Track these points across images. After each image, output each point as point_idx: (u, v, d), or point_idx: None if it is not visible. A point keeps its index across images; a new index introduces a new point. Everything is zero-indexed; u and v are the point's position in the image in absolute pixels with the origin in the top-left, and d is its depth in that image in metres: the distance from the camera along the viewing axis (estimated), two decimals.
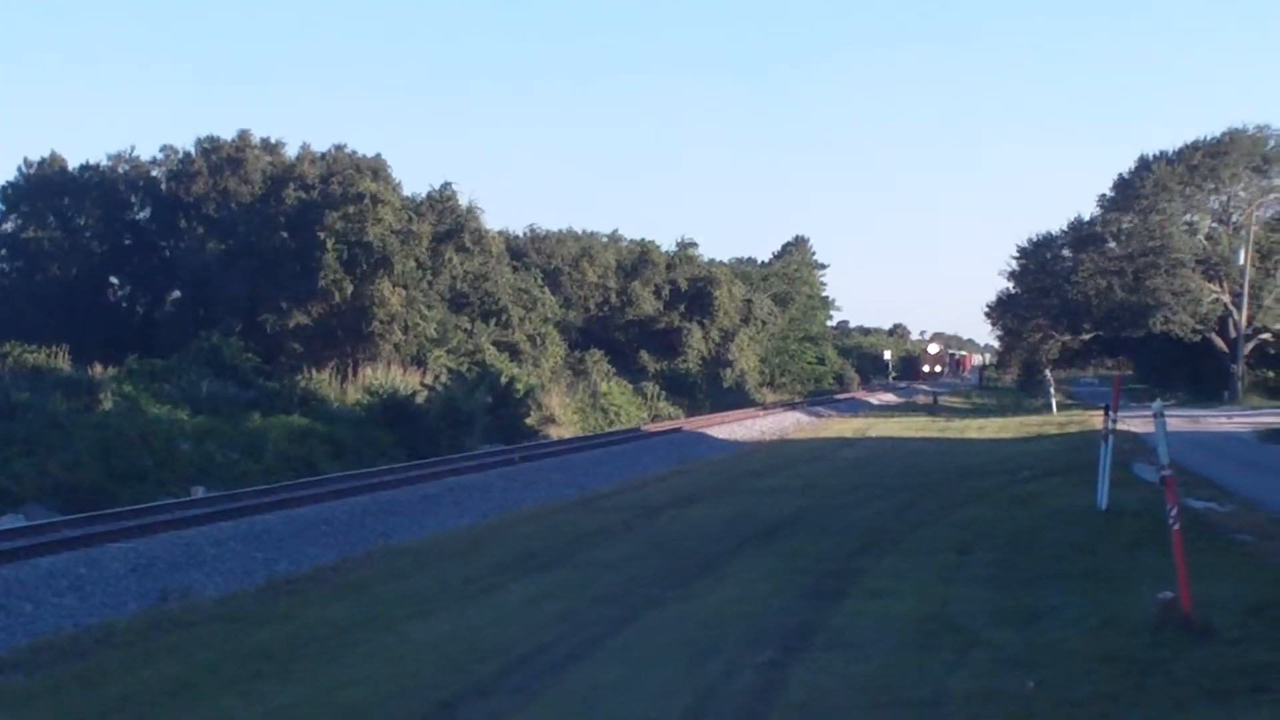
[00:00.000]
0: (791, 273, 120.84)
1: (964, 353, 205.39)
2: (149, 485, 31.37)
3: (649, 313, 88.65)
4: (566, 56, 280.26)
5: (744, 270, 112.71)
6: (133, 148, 64.55)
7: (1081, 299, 77.90)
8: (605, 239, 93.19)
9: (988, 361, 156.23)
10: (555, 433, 55.03)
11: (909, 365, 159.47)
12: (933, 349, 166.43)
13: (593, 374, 70.62)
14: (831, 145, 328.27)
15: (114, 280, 64.82)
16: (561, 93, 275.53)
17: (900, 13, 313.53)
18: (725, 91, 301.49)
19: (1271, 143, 76.25)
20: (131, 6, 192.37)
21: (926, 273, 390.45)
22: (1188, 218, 78.34)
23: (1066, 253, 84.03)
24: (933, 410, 76.76)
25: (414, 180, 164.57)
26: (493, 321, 66.25)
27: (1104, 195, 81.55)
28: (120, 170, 63.58)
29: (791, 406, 79.45)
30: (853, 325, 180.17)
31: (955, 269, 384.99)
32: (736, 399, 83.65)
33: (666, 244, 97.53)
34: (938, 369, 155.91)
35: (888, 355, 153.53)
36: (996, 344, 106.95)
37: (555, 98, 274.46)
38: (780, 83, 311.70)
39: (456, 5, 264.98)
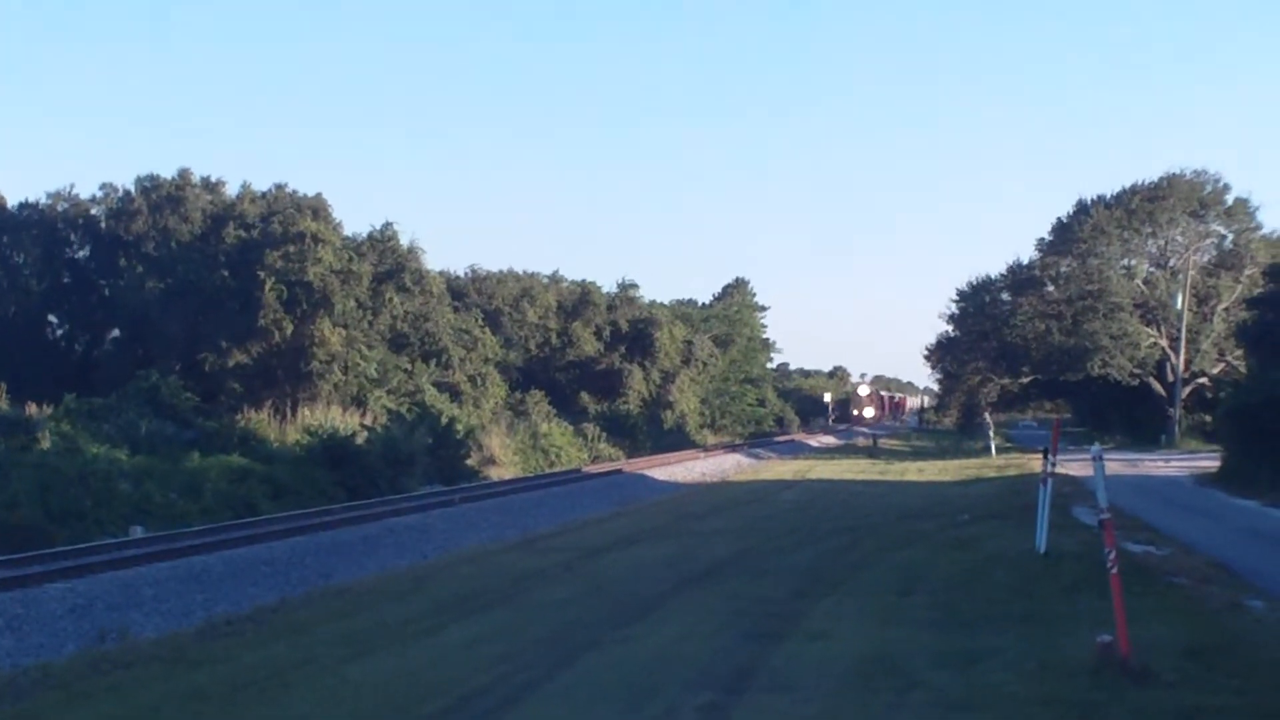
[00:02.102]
0: (732, 314, 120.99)
1: (900, 395, 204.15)
2: (87, 525, 31.17)
3: (590, 354, 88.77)
4: (507, 99, 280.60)
5: (684, 312, 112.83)
6: (72, 186, 64.46)
7: (1020, 342, 78.47)
8: (546, 280, 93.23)
9: (926, 404, 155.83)
10: (496, 474, 54.99)
11: (846, 408, 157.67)
12: (864, 391, 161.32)
13: (533, 415, 70.58)
14: (772, 188, 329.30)
15: (52, 319, 64.36)
16: (502, 135, 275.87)
17: (837, 59, 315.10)
18: (665, 134, 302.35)
19: (1208, 188, 77.17)
20: (71, 44, 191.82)
21: (867, 316, 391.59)
22: (1125, 262, 79.10)
23: (1005, 296, 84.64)
24: (872, 453, 77.01)
25: (355, 220, 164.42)
26: (433, 362, 66.12)
27: (1042, 239, 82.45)
28: (59, 208, 63.17)
29: (732, 448, 79.51)
30: (793, 367, 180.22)
31: (896, 312, 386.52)
32: (677, 440, 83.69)
33: (607, 285, 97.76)
34: (870, 412, 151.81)
35: (828, 398, 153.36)
36: (936, 387, 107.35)
37: (496, 139, 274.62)
38: (719, 126, 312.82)
39: (396, 47, 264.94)
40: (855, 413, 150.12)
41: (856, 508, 35.41)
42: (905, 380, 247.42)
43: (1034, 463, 43.48)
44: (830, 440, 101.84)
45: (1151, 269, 79.43)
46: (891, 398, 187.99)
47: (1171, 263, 78.36)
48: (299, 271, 55.70)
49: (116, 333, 62.83)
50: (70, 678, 14.14)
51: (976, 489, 42.05)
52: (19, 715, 12.35)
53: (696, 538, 27.77)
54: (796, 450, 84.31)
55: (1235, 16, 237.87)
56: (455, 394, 65.35)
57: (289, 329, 55.68)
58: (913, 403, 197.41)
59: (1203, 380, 75.95)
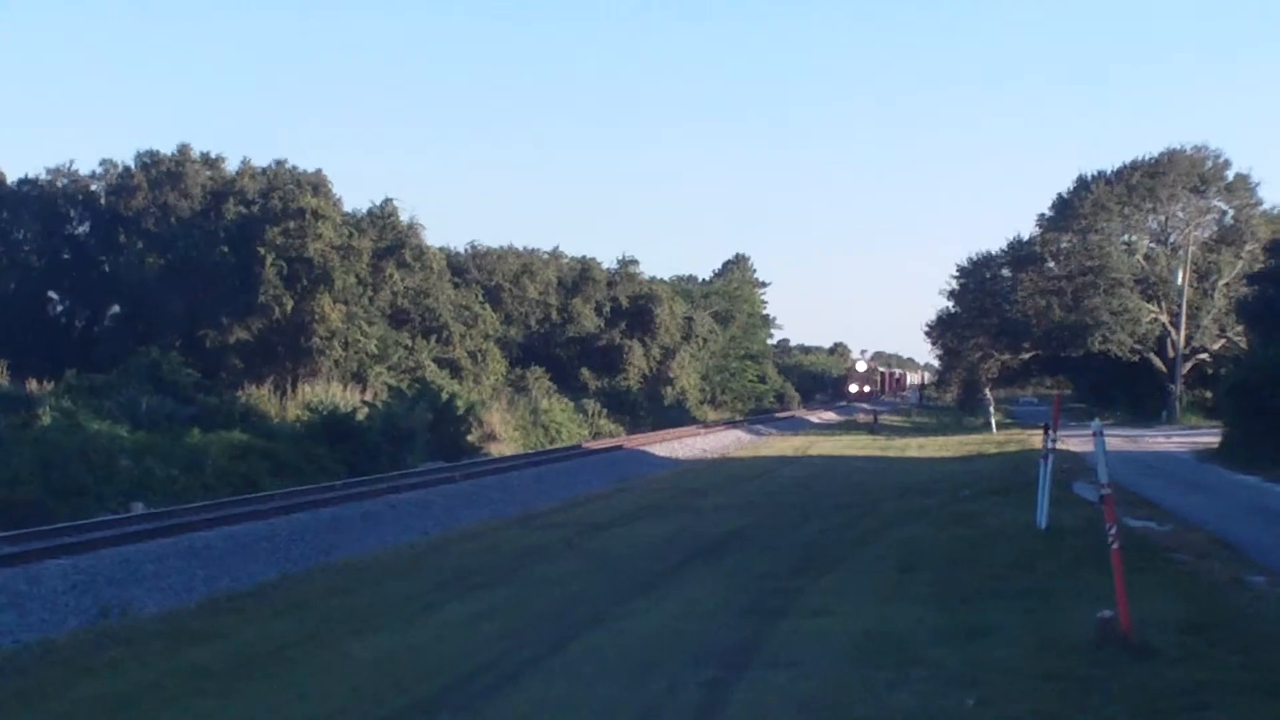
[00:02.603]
0: (732, 291, 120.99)
1: (900, 371, 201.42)
2: (88, 501, 31.14)
3: (590, 330, 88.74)
4: (507, 74, 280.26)
5: (685, 288, 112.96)
6: (71, 162, 64.36)
7: (1021, 318, 78.27)
8: (546, 255, 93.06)
9: (927, 380, 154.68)
10: (496, 450, 54.94)
11: (840, 384, 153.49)
12: (861, 366, 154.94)
13: (534, 391, 70.58)
14: (773, 163, 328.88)
15: (53, 295, 64.36)
16: (502, 110, 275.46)
17: (839, 35, 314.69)
18: (666, 109, 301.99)
19: (1209, 163, 76.91)
20: (69, 20, 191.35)
21: (868, 291, 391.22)
22: (1126, 237, 78.86)
23: (1006, 272, 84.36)
24: (873, 429, 76.85)
25: (355, 196, 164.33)
26: (433, 338, 66.14)
27: (1043, 215, 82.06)
28: (59, 184, 63.14)
29: (732, 424, 79.54)
30: (793, 344, 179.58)
31: (896, 288, 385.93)
32: (677, 417, 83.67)
33: (607, 261, 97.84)
34: (866, 388, 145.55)
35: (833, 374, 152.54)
36: (936, 363, 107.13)
37: (496, 114, 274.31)
38: (721, 101, 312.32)
39: (395, 22, 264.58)
40: (854, 388, 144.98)
41: (857, 484, 35.44)
42: (906, 356, 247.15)
43: (1035, 439, 43.46)
44: (831, 416, 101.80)
45: (1152, 245, 79.23)
46: (892, 373, 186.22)
47: (1172, 238, 78.19)
48: (299, 247, 55.77)
49: (117, 309, 62.81)
50: (72, 654, 14.16)
51: (977, 465, 42.06)
52: (21, 691, 12.36)
53: (697, 514, 27.78)
54: (797, 426, 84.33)
55: None
56: (456, 370, 65.42)
57: (289, 305, 55.73)
58: (913, 379, 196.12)
59: (1203, 356, 75.87)
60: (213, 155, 63.57)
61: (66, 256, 63.35)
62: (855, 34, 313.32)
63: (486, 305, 76.07)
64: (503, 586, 17.85)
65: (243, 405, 47.60)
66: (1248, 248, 73.67)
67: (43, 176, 63.28)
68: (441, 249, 75.18)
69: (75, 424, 37.45)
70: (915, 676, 11.21)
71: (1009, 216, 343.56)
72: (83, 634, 15.87)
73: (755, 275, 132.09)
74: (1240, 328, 65.76)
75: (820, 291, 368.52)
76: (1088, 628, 12.23)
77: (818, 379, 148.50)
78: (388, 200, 64.13)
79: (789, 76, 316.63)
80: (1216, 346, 75.26)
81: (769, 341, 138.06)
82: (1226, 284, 74.57)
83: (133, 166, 62.19)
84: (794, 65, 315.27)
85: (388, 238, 62.63)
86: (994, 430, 65.80)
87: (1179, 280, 73.70)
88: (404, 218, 64.31)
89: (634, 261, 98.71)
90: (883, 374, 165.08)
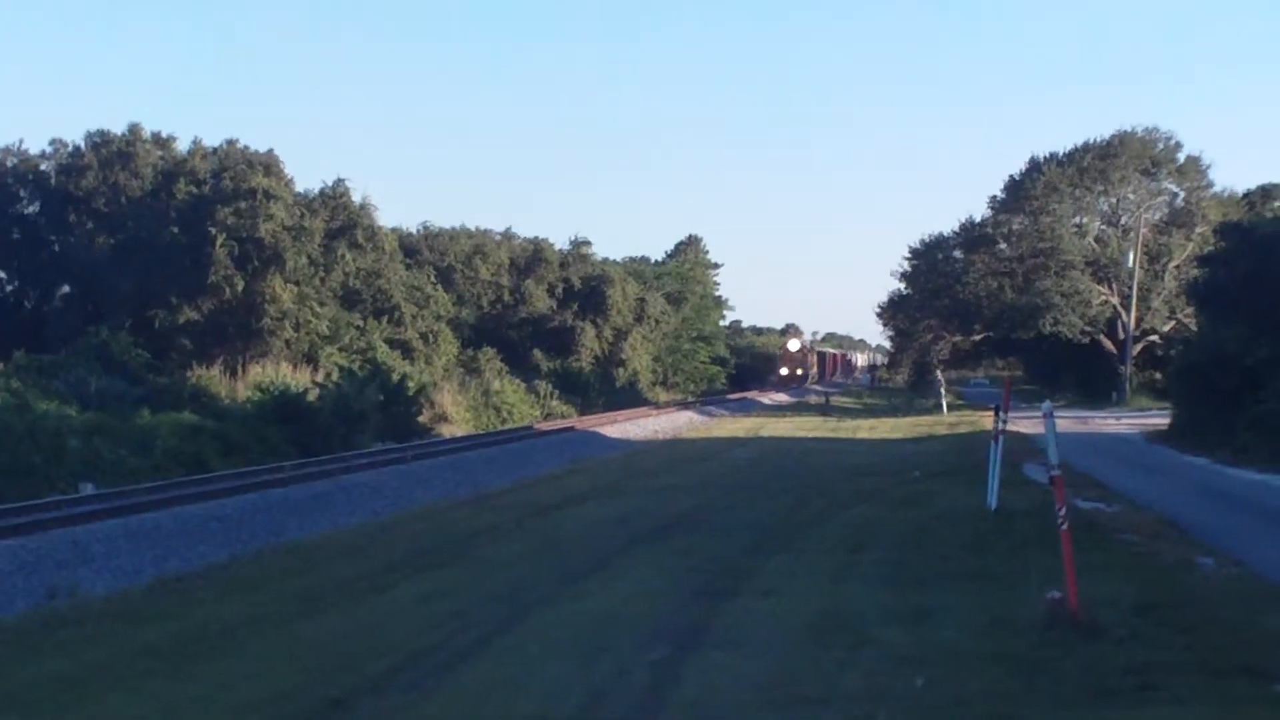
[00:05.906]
0: (685, 272, 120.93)
1: (844, 351, 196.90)
2: (36, 482, 30.97)
3: (542, 311, 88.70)
4: (456, 55, 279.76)
5: (637, 269, 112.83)
6: (21, 140, 63.83)
7: (972, 300, 78.39)
8: (498, 236, 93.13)
9: (879, 362, 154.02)
10: (448, 431, 54.93)
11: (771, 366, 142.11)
12: (793, 346, 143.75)
13: (485, 372, 70.58)
14: (726, 144, 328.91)
15: (2, 275, 63.94)
16: (453, 91, 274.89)
17: (790, 14, 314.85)
18: (615, 90, 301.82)
19: (1160, 146, 77.29)
20: None
21: (820, 273, 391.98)
22: (1077, 220, 79.16)
23: (957, 254, 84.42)
24: (824, 410, 77.04)
25: (306, 176, 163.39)
26: (385, 319, 66.04)
27: (995, 197, 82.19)
28: (8, 163, 62.64)
29: (685, 406, 79.62)
30: (746, 325, 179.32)
31: (849, 269, 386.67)
32: (630, 398, 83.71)
33: (560, 242, 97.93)
34: (799, 371, 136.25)
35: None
36: (888, 344, 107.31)
37: (447, 95, 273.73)
38: (674, 82, 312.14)
39: (347, 2, 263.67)
40: (785, 371, 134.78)
41: (808, 465, 35.50)
42: (859, 338, 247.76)
43: (985, 420, 43.61)
44: (783, 398, 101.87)
45: (1103, 227, 79.55)
46: (842, 354, 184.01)
47: (1123, 220, 78.51)
48: (250, 228, 55.53)
49: (66, 289, 62.48)
50: (19, 635, 14.06)
51: (928, 446, 42.20)
52: None
53: (649, 494, 27.80)
54: (748, 408, 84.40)
55: None
56: (407, 351, 65.35)
57: (240, 286, 55.54)
58: (863, 360, 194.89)
59: (1153, 338, 76.14)
60: (164, 135, 63.26)
61: (16, 236, 62.92)
62: (806, 16, 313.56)
63: (438, 286, 76.02)
64: (453, 567, 17.83)
65: (193, 386, 47.47)
66: (1198, 230, 73.99)
67: None
68: (393, 230, 75.34)
69: (24, 404, 37.20)
70: (865, 657, 11.25)
71: (961, 198, 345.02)
72: (31, 615, 15.79)
73: (708, 256, 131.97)
74: (1190, 310, 65.95)
75: (773, 273, 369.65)
76: (1037, 608, 12.29)
77: (770, 360, 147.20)
78: (339, 181, 63.95)
79: (742, 57, 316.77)
80: (1167, 328, 75.58)
81: (721, 323, 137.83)
82: (1177, 266, 74.93)
83: (83, 146, 61.84)
84: (747, 46, 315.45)
85: (339, 218, 62.44)
86: (945, 412, 66.01)
87: (1130, 262, 73.92)
88: (356, 198, 64.23)
89: (586, 242, 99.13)
90: (822, 355, 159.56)
